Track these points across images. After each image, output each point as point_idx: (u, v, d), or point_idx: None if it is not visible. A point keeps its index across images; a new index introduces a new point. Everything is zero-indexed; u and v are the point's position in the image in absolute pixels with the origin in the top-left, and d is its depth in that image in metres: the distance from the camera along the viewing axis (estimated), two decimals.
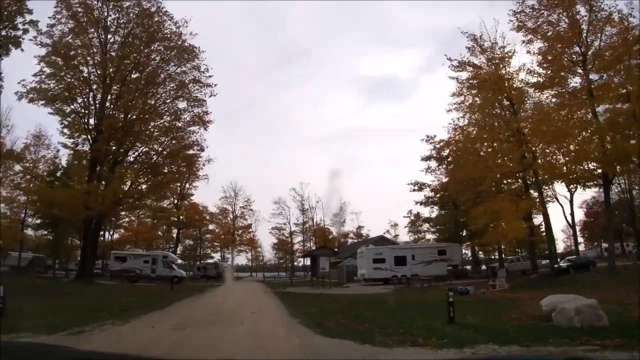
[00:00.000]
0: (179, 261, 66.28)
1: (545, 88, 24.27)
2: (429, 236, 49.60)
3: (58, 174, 35.29)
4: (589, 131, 20.96)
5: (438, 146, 40.35)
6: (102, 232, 46.24)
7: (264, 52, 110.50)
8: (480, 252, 49.64)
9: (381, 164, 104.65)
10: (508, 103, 25.90)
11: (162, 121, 25.76)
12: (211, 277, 48.67)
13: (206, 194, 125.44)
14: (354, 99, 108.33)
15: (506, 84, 25.49)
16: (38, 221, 38.23)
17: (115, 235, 48.11)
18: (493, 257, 55.35)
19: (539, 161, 23.26)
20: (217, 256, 64.06)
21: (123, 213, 44.71)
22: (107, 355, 2.82)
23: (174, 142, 26.12)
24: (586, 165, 20.93)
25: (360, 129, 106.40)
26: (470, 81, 25.79)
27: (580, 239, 63.41)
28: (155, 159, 25.99)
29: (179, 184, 43.10)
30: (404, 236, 59.12)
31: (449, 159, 39.42)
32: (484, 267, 48.84)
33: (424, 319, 10.32)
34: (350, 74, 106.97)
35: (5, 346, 2.10)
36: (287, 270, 78.20)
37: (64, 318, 10.20)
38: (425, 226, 46.54)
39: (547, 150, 22.47)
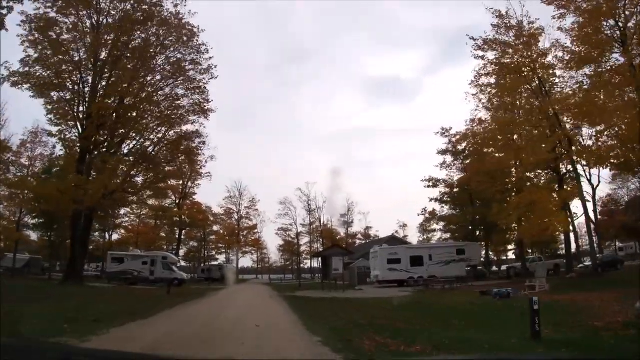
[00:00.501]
0: (182, 263, 63.80)
1: (581, 66, 21.43)
2: (441, 236, 46.62)
3: (53, 171, 32.89)
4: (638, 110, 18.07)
5: (454, 139, 37.42)
6: (105, 233, 43.94)
7: (268, 52, 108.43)
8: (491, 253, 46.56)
9: (387, 164, 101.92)
10: (537, 84, 23.06)
11: (158, 110, 23.13)
12: (215, 279, 46.53)
13: (210, 195, 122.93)
14: (358, 98, 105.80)
15: (536, 64, 22.67)
16: (34, 221, 35.92)
17: (115, 236, 45.53)
18: (505, 257, 52.38)
19: (577, 147, 20.39)
20: (222, 258, 61.58)
21: (122, 212, 42.40)
22: (109, 353, 2.69)
23: (172, 132, 23.57)
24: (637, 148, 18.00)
25: (365, 129, 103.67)
26: (497, 61, 22.94)
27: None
28: (151, 150, 23.31)
29: (180, 182, 40.56)
30: (414, 236, 56.37)
31: (465, 153, 36.54)
32: (494, 267, 45.96)
33: (486, 332, 7.55)
34: (354, 73, 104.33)
35: (6, 346, 1.96)
36: (293, 272, 75.34)
37: (13, 330, 7.60)
38: (440, 225, 43.29)
39: (589, 133, 19.64)
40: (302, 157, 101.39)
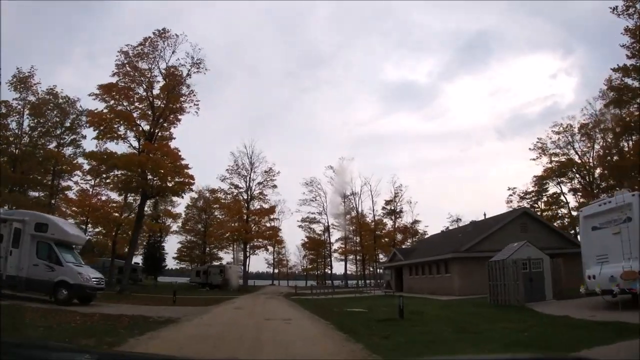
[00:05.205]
0: (173, 264, 45.29)
1: None
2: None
3: None
4: None
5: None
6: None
7: (285, 58, 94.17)
8: None
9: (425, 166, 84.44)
10: None
11: None
12: (215, 285, 32.26)
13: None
14: (375, 102, 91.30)
15: None
16: None
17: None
18: None
19: None
20: (228, 257, 42.49)
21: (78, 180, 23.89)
22: (109, 355, 2.53)
23: None
24: None
25: (382, 135, 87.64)
26: None
27: None
28: None
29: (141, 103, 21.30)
30: None
31: None
32: None
33: None
34: (373, 76, 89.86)
35: (6, 346, 1.74)
36: (317, 277, 55.53)
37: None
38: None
39: None
40: (322, 161, 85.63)
